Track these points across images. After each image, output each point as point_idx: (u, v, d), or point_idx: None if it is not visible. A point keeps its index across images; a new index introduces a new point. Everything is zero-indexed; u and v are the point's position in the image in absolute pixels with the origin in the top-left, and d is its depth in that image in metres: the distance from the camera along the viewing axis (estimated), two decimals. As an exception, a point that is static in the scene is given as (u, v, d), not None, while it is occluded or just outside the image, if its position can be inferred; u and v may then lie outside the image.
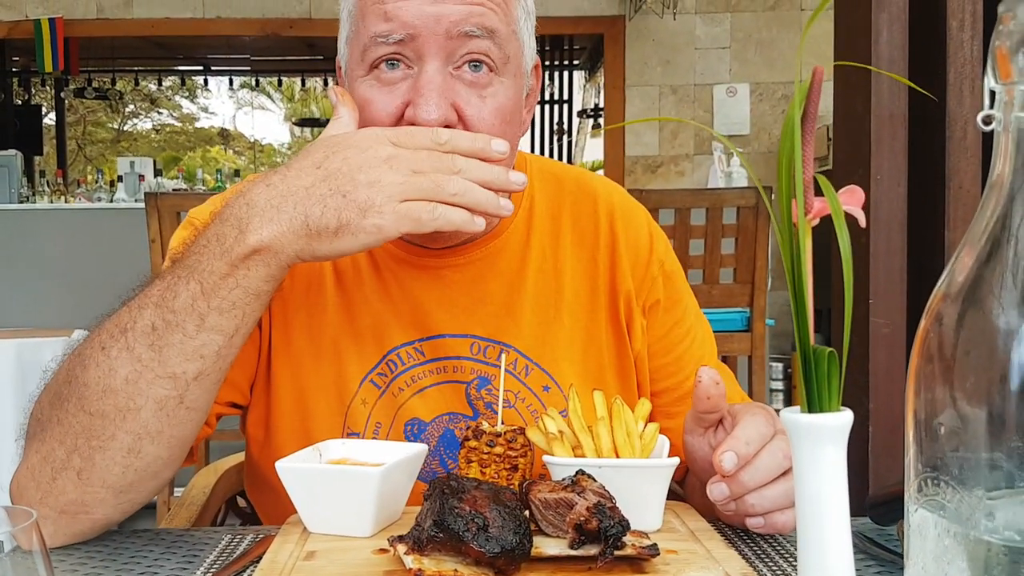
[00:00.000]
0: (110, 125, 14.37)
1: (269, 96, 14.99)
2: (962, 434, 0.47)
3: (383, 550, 0.79)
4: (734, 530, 0.91)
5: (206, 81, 10.83)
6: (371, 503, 0.82)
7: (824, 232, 0.58)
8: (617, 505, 0.76)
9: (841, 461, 0.54)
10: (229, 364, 0.87)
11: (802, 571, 0.56)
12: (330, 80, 8.24)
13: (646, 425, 0.90)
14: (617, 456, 0.87)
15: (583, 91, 9.15)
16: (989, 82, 0.47)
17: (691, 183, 5.61)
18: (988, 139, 0.48)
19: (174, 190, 6.14)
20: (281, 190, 0.83)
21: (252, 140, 15.63)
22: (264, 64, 9.44)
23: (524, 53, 1.01)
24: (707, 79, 5.69)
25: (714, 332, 1.19)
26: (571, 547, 0.75)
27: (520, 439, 0.90)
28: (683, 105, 5.71)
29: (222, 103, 14.86)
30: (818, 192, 0.53)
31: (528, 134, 4.40)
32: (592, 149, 9.55)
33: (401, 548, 0.74)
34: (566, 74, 8.60)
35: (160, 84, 10.90)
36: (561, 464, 0.85)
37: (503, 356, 0.98)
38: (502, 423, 0.93)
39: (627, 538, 0.75)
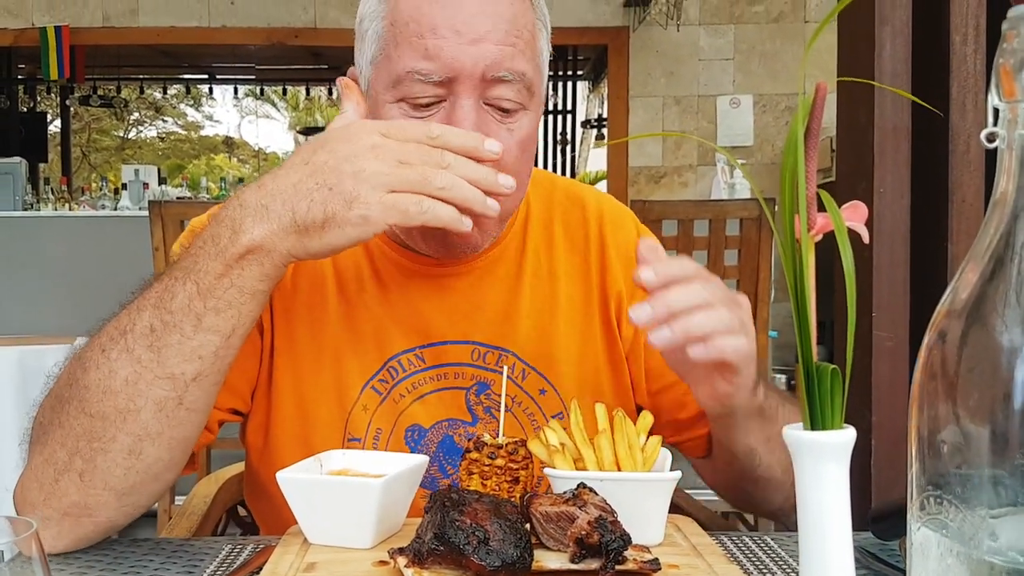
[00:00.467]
0: (115, 133, 14.41)
1: (274, 105, 15.04)
2: (965, 451, 0.47)
3: (383, 562, 0.79)
4: (736, 545, 0.91)
5: (211, 90, 10.85)
6: (372, 514, 0.82)
7: (827, 243, 0.58)
8: (619, 519, 0.76)
9: (844, 478, 0.54)
10: (227, 365, 0.88)
11: (804, 588, 0.56)
12: (335, 90, 8.26)
13: (648, 438, 0.90)
14: (619, 469, 0.87)
15: (587, 101, 9.17)
16: (993, 100, 0.46)
17: (694, 194, 5.61)
18: (991, 153, 0.48)
19: (178, 198, 6.15)
20: (271, 189, 0.84)
21: (256, 149, 15.67)
22: (269, 73, 9.47)
23: (543, 82, 1.03)
24: (711, 90, 5.70)
25: (717, 344, 1.19)
26: (572, 561, 0.74)
27: (522, 451, 0.90)
28: (686, 116, 5.71)
29: (227, 111, 14.91)
30: (821, 208, 0.53)
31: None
32: (595, 159, 9.57)
33: (401, 560, 0.74)
34: (570, 84, 8.61)
35: (165, 92, 10.93)
36: (562, 477, 0.85)
37: (505, 365, 0.98)
38: (502, 434, 0.93)
39: (628, 552, 0.74)
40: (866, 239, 0.53)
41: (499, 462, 0.89)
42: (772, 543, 0.92)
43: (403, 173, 0.83)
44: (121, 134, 14.53)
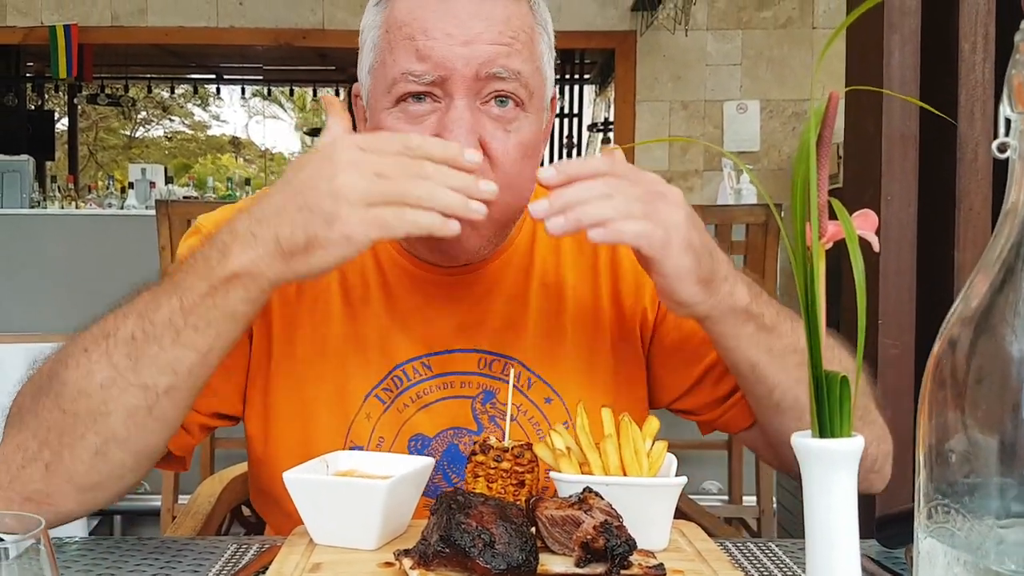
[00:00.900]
0: (122, 132, 14.43)
1: (281, 105, 15.04)
2: (973, 460, 0.47)
3: (388, 563, 0.79)
4: (741, 552, 0.91)
5: (218, 90, 10.88)
6: (377, 516, 0.82)
7: (831, 249, 0.58)
8: (624, 524, 0.76)
9: (852, 486, 0.54)
10: (202, 383, 0.89)
11: (810, 595, 0.56)
12: (342, 91, 8.27)
13: (654, 443, 0.90)
14: (624, 474, 0.87)
15: (593, 105, 9.16)
16: (1005, 110, 0.47)
17: (700, 199, 5.60)
18: (999, 161, 0.48)
19: (184, 197, 6.14)
20: (257, 216, 0.85)
21: (263, 149, 15.68)
22: (276, 74, 9.48)
23: (546, 87, 1.02)
24: (718, 95, 5.69)
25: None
26: (577, 565, 0.74)
27: (527, 454, 0.90)
28: (693, 121, 5.71)
29: (234, 112, 14.91)
30: (832, 216, 0.53)
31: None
32: (601, 163, 9.53)
33: (407, 562, 0.74)
34: (576, 88, 8.62)
35: (172, 92, 10.94)
36: (568, 481, 0.85)
37: (511, 371, 0.98)
38: (508, 438, 0.93)
39: (633, 557, 0.75)
40: (876, 248, 0.54)
41: (505, 465, 0.89)
42: (777, 550, 0.92)
43: (381, 186, 0.82)
44: (128, 133, 14.54)
